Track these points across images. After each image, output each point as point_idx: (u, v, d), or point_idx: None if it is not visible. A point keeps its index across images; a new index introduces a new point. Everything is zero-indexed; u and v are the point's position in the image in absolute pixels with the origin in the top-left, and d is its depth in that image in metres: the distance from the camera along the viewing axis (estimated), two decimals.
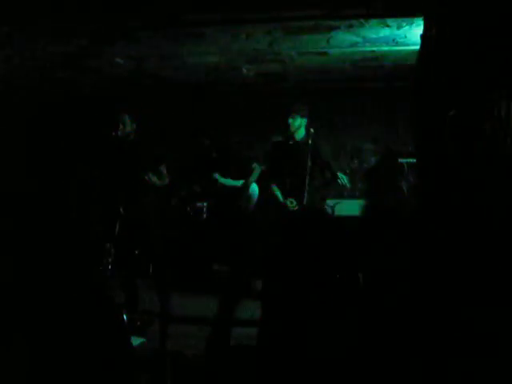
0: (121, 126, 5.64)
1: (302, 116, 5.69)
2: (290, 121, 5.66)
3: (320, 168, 5.78)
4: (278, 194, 5.84)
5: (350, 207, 7.70)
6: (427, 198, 3.98)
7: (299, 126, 5.70)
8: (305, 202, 5.55)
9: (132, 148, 5.76)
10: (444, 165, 3.70)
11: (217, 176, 6.82)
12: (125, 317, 4.83)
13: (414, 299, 2.01)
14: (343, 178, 5.59)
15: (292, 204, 5.63)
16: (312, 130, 5.60)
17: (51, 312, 1.89)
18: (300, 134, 5.74)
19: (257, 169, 6.80)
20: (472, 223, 3.17)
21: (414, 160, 6.23)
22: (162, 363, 4.24)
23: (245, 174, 6.81)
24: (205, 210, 7.24)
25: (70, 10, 4.50)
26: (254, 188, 6.81)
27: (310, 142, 5.52)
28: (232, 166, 6.91)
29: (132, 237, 5.71)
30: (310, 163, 5.53)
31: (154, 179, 5.81)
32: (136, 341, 4.65)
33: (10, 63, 6.55)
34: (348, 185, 5.67)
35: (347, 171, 5.65)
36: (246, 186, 6.76)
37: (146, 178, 5.73)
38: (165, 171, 6.04)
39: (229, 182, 6.82)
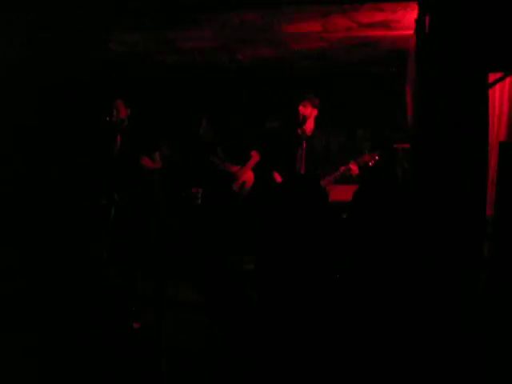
0: (114, 112, 5.63)
1: (313, 106, 5.67)
2: (301, 108, 5.64)
3: (326, 159, 5.75)
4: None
5: (344, 192, 7.72)
6: (421, 182, 4.00)
7: (309, 115, 5.68)
8: None
9: (126, 134, 5.76)
10: (439, 149, 3.72)
11: (214, 159, 6.78)
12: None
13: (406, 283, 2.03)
14: (353, 168, 5.54)
15: None
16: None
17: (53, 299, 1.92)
18: (309, 126, 5.72)
19: (255, 156, 6.78)
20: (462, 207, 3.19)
21: (409, 146, 6.25)
22: (157, 348, 4.27)
23: (242, 160, 6.79)
24: (199, 195, 7.24)
25: None
26: (250, 175, 6.80)
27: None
28: (230, 151, 6.88)
29: (127, 223, 5.72)
30: (317, 153, 5.57)
31: (148, 162, 5.82)
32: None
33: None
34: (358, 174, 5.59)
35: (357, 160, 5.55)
36: (242, 172, 6.74)
37: (142, 162, 5.73)
38: (158, 157, 6.05)
39: (224, 166, 6.79)
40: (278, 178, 5.92)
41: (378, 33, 5.89)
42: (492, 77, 3.83)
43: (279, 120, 8.70)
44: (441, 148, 3.69)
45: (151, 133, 6.24)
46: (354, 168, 5.48)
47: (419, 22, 4.29)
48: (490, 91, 3.84)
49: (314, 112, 5.71)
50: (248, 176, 6.78)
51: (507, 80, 4.22)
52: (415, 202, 3.72)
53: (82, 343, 4.07)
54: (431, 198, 3.62)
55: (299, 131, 5.69)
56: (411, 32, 4.84)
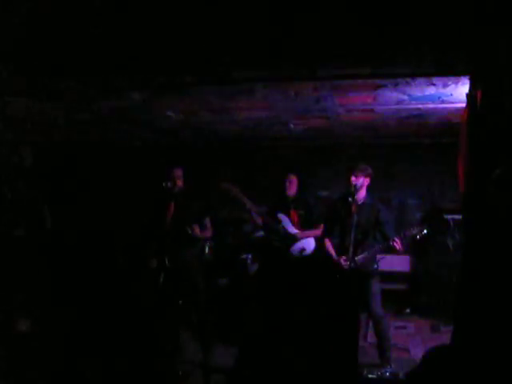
0: (173, 180, 5.80)
1: (366, 176, 5.73)
2: (353, 179, 5.68)
3: (375, 229, 5.75)
4: (331, 250, 5.85)
5: (394, 262, 7.68)
6: (473, 255, 3.96)
7: (361, 185, 5.71)
8: (358, 261, 5.56)
9: (180, 200, 5.91)
10: (491, 222, 3.70)
11: (283, 217, 6.74)
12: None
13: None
14: (398, 242, 5.50)
15: (345, 262, 5.60)
16: (358, 185, 5.65)
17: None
18: (361, 193, 5.77)
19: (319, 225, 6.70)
20: None
21: (460, 216, 6.22)
22: None
23: (306, 225, 6.77)
24: (249, 261, 7.29)
25: (124, 66, 4.71)
26: (311, 242, 6.75)
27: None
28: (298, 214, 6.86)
29: (176, 287, 5.79)
30: (367, 223, 5.59)
31: (197, 231, 5.92)
32: None
33: (64, 117, 6.84)
34: (402, 249, 5.56)
35: (402, 234, 5.54)
36: (302, 237, 6.66)
37: (189, 230, 5.83)
38: (209, 224, 6.15)
39: (289, 227, 6.72)
40: (329, 246, 5.93)
41: (429, 105, 5.97)
42: None
43: (330, 189, 8.79)
44: (492, 221, 3.67)
45: (202, 202, 6.35)
46: (398, 243, 5.45)
47: (470, 96, 4.35)
48: None
49: (366, 181, 5.75)
50: (308, 242, 6.70)
51: None
52: (466, 271, 3.70)
53: None
54: (483, 270, 3.59)
55: (350, 200, 5.70)
56: (462, 105, 4.91)
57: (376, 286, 5.67)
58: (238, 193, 6.51)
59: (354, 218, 5.54)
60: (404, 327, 7.31)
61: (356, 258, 5.55)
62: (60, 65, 4.77)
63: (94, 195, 8.90)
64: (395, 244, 5.46)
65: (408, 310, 7.95)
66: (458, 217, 7.31)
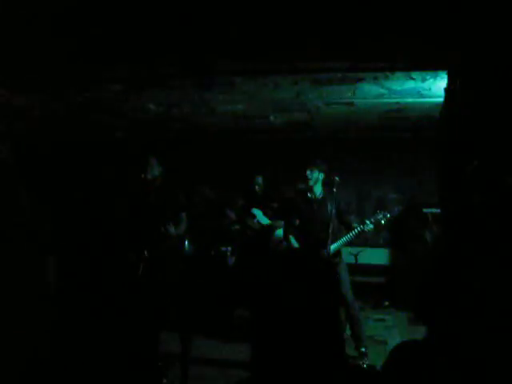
0: (149, 169, 5.77)
1: (320, 171, 5.73)
2: (308, 173, 5.72)
3: (339, 221, 5.80)
4: (294, 242, 5.88)
5: (373, 255, 7.74)
6: (451, 248, 4.00)
7: (316, 180, 5.74)
8: (327, 254, 5.60)
9: (157, 193, 5.89)
10: (468, 215, 3.74)
11: (256, 212, 6.80)
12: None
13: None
14: (369, 227, 5.57)
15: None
16: (337, 179, 5.66)
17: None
18: (317, 188, 5.77)
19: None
20: (497, 274, 3.19)
21: (438, 210, 6.28)
22: None
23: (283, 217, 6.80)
24: (229, 254, 7.30)
25: (104, 56, 4.69)
26: (279, 233, 6.79)
27: (335, 190, 5.58)
28: (275, 207, 6.92)
29: (155, 280, 5.77)
30: (330, 216, 5.62)
31: (171, 229, 5.91)
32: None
33: (44, 108, 6.80)
34: (371, 232, 5.66)
35: (372, 220, 5.61)
36: (275, 227, 6.73)
37: (162, 229, 5.83)
38: (185, 218, 6.14)
39: (265, 220, 6.81)
40: (293, 242, 5.95)
41: (409, 100, 6.01)
42: None
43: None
44: (470, 212, 3.71)
45: (180, 194, 6.34)
46: (368, 224, 5.54)
47: (449, 90, 4.40)
48: None
49: (321, 176, 5.76)
50: (278, 233, 6.78)
51: None
52: (445, 265, 3.73)
53: None
54: (461, 262, 3.63)
55: (309, 196, 5.78)
56: (441, 99, 4.96)
57: (345, 273, 5.75)
58: (211, 194, 6.58)
59: (317, 212, 5.62)
60: (382, 320, 7.36)
61: (326, 252, 5.58)
62: (40, 56, 4.74)
63: (73, 188, 8.85)
64: (366, 227, 5.53)
65: (386, 303, 8.01)
66: (436, 211, 7.37)
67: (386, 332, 6.82)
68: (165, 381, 4.87)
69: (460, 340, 2.07)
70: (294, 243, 5.87)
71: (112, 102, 6.49)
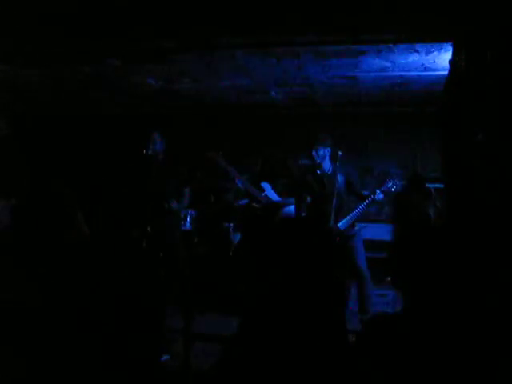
0: (151, 145, 5.73)
1: (325, 147, 5.71)
2: (313, 153, 5.69)
3: (350, 193, 5.77)
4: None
5: (376, 231, 7.70)
6: (454, 221, 3.97)
7: (323, 156, 5.71)
8: (342, 228, 5.61)
9: (160, 169, 5.85)
10: (471, 188, 3.70)
11: (265, 185, 6.72)
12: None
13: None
14: (379, 196, 5.57)
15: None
16: (340, 153, 5.62)
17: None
18: (326, 164, 5.75)
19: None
20: (499, 246, 3.16)
21: (441, 185, 6.23)
22: (185, 381, 4.27)
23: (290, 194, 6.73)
24: (231, 230, 7.26)
25: (103, 30, 4.62)
26: (293, 209, 6.72)
27: (337, 163, 5.55)
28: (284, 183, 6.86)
29: (158, 255, 5.77)
30: (341, 190, 5.60)
31: (174, 204, 5.89)
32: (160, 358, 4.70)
33: (42, 82, 6.74)
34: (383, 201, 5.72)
35: (382, 189, 5.60)
36: (285, 204, 6.66)
37: (166, 205, 5.81)
38: (187, 193, 6.11)
39: (274, 195, 6.72)
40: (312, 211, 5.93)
41: (413, 73, 5.93)
42: None
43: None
44: (474, 188, 3.68)
45: (184, 169, 6.31)
46: (378, 194, 5.53)
47: (454, 63, 4.33)
48: None
49: (327, 151, 5.72)
50: (291, 209, 6.69)
51: None
52: (447, 241, 3.69)
53: (108, 374, 4.08)
54: (464, 238, 3.60)
55: (319, 172, 5.75)
56: (445, 73, 4.89)
57: (359, 244, 5.77)
58: (222, 161, 6.48)
59: (328, 187, 5.60)
60: (384, 295, 7.36)
61: (340, 226, 5.59)
62: (39, 30, 4.68)
63: (76, 164, 8.82)
64: (376, 196, 5.51)
65: (389, 278, 7.99)
66: (439, 185, 7.33)
67: (387, 307, 6.82)
68: (167, 356, 4.86)
69: (437, 313, 2.04)
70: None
71: (112, 77, 6.43)
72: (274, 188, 6.69)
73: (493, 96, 3.50)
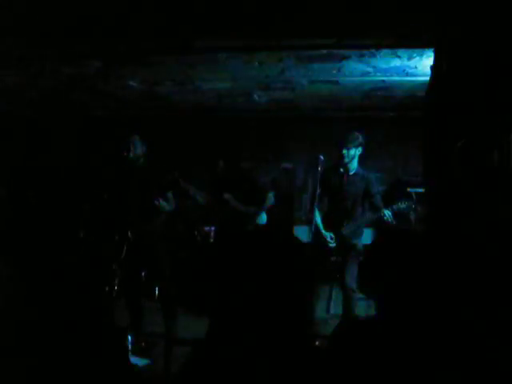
0: (131, 148, 5.68)
1: (357, 146, 5.51)
2: (344, 152, 5.46)
3: (364, 200, 5.67)
4: (319, 221, 5.73)
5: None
6: (436, 225, 3.99)
7: (353, 156, 5.59)
8: (345, 233, 5.54)
9: (142, 172, 5.81)
10: (454, 193, 3.72)
11: (229, 197, 6.68)
12: (129, 338, 4.84)
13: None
14: (388, 215, 5.43)
15: (331, 240, 5.57)
16: (322, 158, 5.56)
17: (52, 330, 1.90)
18: (353, 165, 5.58)
19: (270, 198, 6.68)
20: (482, 249, 3.18)
21: (422, 190, 6.26)
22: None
23: (257, 201, 6.69)
24: (212, 234, 7.26)
25: (83, 32, 4.59)
26: (264, 217, 6.71)
27: (319, 169, 5.48)
28: (245, 191, 6.78)
29: (139, 259, 5.73)
30: (357, 194, 5.55)
31: (164, 204, 5.84)
32: (140, 362, 4.65)
33: (22, 83, 6.68)
34: (392, 221, 5.43)
35: (393, 207, 5.45)
36: (257, 214, 6.64)
37: (156, 202, 5.75)
38: (171, 197, 6.07)
39: (240, 206, 6.68)
40: (317, 217, 5.80)
41: (394, 78, 5.97)
42: None
43: (293, 161, 8.80)
44: (455, 193, 3.70)
45: (165, 172, 6.27)
46: (387, 215, 5.39)
47: (435, 68, 4.35)
48: None
49: (358, 151, 5.55)
50: (262, 219, 6.68)
51: None
52: (428, 245, 3.70)
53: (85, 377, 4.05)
54: (444, 243, 3.62)
55: (341, 171, 5.60)
56: (427, 78, 4.92)
57: (354, 261, 5.48)
58: (179, 181, 6.44)
59: (345, 189, 5.52)
60: (366, 298, 7.36)
61: (343, 230, 5.50)
62: (18, 30, 4.63)
63: (56, 167, 8.75)
64: (384, 217, 5.39)
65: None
66: (420, 190, 7.37)
67: (367, 311, 6.83)
68: (148, 361, 4.82)
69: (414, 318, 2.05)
70: (318, 219, 5.72)
71: (92, 79, 6.38)
72: (235, 197, 6.63)
73: (474, 101, 3.52)
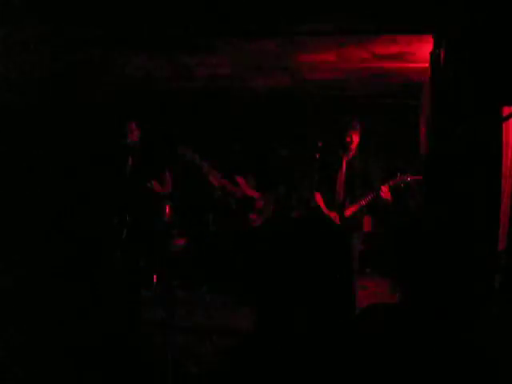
0: (128, 134, 5.69)
1: (359, 133, 5.72)
2: (348, 140, 5.65)
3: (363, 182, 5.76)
4: (321, 204, 5.81)
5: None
6: (433, 213, 3.98)
7: (354, 142, 5.69)
8: (346, 213, 5.64)
9: (138, 156, 5.81)
10: (451, 181, 3.71)
11: (240, 179, 6.66)
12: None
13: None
14: (385, 191, 5.54)
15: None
16: (320, 145, 5.63)
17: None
18: (352, 148, 5.75)
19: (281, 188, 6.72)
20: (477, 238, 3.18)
21: (421, 178, 6.25)
22: (163, 373, 4.24)
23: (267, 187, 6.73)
24: (210, 221, 7.23)
25: (82, 16, 4.56)
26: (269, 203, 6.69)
27: (318, 156, 5.56)
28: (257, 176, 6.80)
29: (137, 246, 5.74)
30: (356, 176, 5.68)
31: (157, 186, 5.84)
32: None
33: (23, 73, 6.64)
34: (389, 198, 5.63)
35: (387, 183, 5.59)
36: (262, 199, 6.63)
37: (149, 185, 5.76)
38: (168, 179, 6.07)
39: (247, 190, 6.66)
40: (319, 199, 5.88)
41: (393, 65, 5.93)
42: (507, 110, 3.84)
43: (290, 148, 8.76)
44: (453, 179, 3.69)
45: (162, 156, 6.26)
46: (385, 190, 5.50)
47: (434, 54, 4.32)
48: (505, 124, 3.84)
49: (358, 137, 5.73)
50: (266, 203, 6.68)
51: None
52: (427, 233, 3.71)
53: (90, 365, 4.06)
54: (442, 230, 3.61)
55: (340, 154, 5.73)
56: (426, 65, 4.89)
57: (355, 247, 5.68)
58: (195, 157, 6.42)
59: (345, 171, 5.66)
60: (365, 287, 7.37)
61: (345, 212, 5.63)
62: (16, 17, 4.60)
63: (52, 154, 8.71)
64: (382, 194, 5.51)
65: (368, 270, 8.01)
66: (418, 178, 7.35)
67: (367, 299, 6.84)
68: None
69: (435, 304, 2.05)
70: (322, 205, 5.81)
71: (89, 65, 6.34)
72: (247, 182, 6.64)
73: (469, 89, 3.51)
